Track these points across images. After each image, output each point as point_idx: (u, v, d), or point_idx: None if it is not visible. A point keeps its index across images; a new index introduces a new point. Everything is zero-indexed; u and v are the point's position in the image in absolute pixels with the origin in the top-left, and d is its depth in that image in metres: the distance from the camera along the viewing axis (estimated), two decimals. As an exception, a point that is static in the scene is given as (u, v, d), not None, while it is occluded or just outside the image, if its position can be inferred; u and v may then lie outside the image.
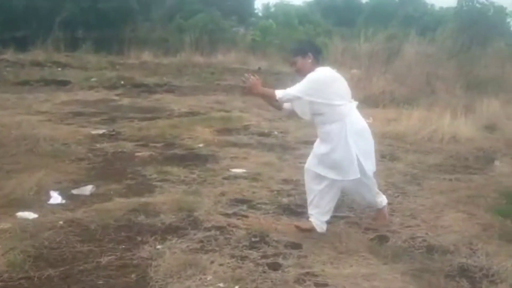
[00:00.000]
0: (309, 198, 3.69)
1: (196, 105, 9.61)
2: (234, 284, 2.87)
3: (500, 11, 15.16)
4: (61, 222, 3.65)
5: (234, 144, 6.50)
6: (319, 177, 3.61)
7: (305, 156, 5.79)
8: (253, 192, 4.57)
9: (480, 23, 12.13)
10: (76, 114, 8.23)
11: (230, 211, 4.06)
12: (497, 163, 5.94)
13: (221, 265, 3.09)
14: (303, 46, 3.79)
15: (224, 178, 4.97)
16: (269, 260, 3.20)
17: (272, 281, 2.93)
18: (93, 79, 12.17)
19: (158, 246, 3.34)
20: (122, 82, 12.11)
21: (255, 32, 23.54)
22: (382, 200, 3.89)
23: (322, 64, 3.66)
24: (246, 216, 3.96)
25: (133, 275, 2.96)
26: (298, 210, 4.15)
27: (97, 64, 14.93)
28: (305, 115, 3.64)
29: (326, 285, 2.92)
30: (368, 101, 8.15)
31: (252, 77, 3.57)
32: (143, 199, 4.19)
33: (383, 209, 3.91)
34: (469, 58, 11.17)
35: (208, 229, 3.64)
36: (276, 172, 5.25)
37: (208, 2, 23.75)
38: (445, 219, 4.03)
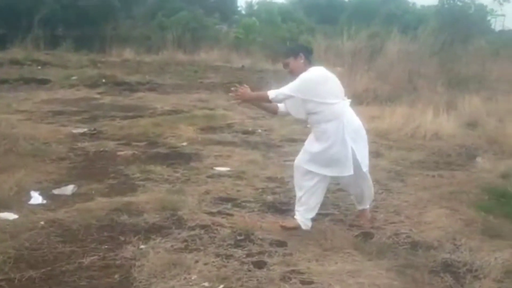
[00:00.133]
0: (299, 194, 3.69)
1: (179, 103, 9.54)
2: (219, 283, 2.85)
3: (481, 9, 15.39)
4: (42, 223, 3.58)
5: (218, 142, 6.46)
6: (311, 173, 3.61)
7: (290, 154, 5.84)
8: (238, 190, 4.55)
9: (461, 21, 12.29)
10: (56, 113, 8.11)
11: (214, 210, 4.03)
12: (478, 159, 6.01)
13: (206, 264, 3.07)
14: (294, 47, 3.95)
15: (208, 177, 4.94)
16: (254, 259, 3.19)
17: (257, 280, 2.92)
18: (73, 78, 12.00)
19: (142, 246, 3.30)
20: (104, 80, 11.96)
21: (238, 29, 23.48)
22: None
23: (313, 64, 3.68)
24: (231, 215, 3.94)
25: (116, 276, 2.93)
26: (283, 208, 4.15)
27: (78, 62, 14.74)
28: (300, 114, 3.65)
29: (312, 282, 2.92)
30: (351, 99, 8.12)
31: (240, 86, 3.66)
32: (125, 199, 4.13)
33: (367, 209, 3.94)
34: (451, 56, 11.29)
35: (193, 228, 3.62)
36: (261, 170, 5.24)
37: (191, 0, 23.63)
38: (429, 215, 4.06)
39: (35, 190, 4.29)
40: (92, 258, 3.12)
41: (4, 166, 4.81)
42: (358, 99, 8.76)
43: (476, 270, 3.14)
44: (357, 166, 3.56)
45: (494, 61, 13.18)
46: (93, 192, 4.37)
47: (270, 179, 4.95)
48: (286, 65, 3.69)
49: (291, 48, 3.88)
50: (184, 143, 6.30)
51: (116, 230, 3.56)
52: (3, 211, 3.75)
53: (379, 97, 9.38)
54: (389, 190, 4.74)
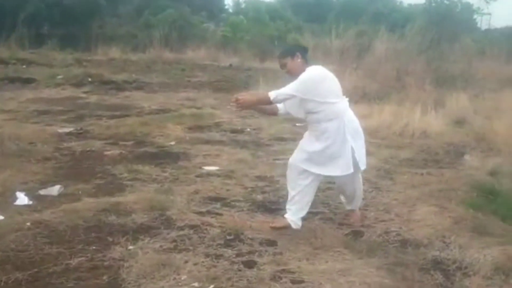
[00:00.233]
0: (292, 193, 3.67)
1: (167, 102, 9.49)
2: (209, 283, 2.82)
3: (467, 8, 15.54)
4: (28, 224, 3.52)
5: (207, 142, 6.42)
6: (306, 172, 3.60)
7: (279, 152, 5.83)
8: (227, 190, 4.51)
9: (448, 20, 12.36)
10: (42, 112, 8.01)
11: (203, 209, 3.99)
12: (467, 157, 6.04)
13: (195, 264, 3.03)
14: (290, 47, 3.95)
15: (197, 176, 4.90)
16: (244, 258, 3.16)
17: (247, 279, 2.89)
18: (59, 77, 11.87)
19: (130, 247, 3.25)
20: (90, 79, 11.85)
21: (225, 28, 23.43)
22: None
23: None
24: (220, 214, 3.90)
25: (104, 277, 2.88)
26: (272, 207, 4.12)
27: (63, 61, 14.61)
28: (300, 114, 3.65)
29: (302, 281, 2.90)
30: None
31: (239, 94, 3.62)
32: (113, 199, 4.07)
33: (356, 210, 3.94)
34: (438, 54, 11.35)
35: (182, 228, 3.58)
36: (250, 169, 5.21)
37: (178, -3, 23.54)
38: (418, 213, 4.07)
39: (21, 190, 4.21)
40: (79, 259, 3.06)
41: (-11, 167, 4.73)
42: (347, 97, 8.79)
43: (465, 268, 3.14)
44: (355, 165, 3.55)
45: (480, 59, 13.31)
46: (80, 192, 4.31)
47: (259, 178, 4.93)
48: (283, 66, 3.66)
49: (287, 48, 3.84)
50: (172, 142, 6.25)
51: (104, 230, 3.51)
52: (-13, 213, 3.68)
53: (368, 95, 9.40)
54: (379, 188, 4.74)
